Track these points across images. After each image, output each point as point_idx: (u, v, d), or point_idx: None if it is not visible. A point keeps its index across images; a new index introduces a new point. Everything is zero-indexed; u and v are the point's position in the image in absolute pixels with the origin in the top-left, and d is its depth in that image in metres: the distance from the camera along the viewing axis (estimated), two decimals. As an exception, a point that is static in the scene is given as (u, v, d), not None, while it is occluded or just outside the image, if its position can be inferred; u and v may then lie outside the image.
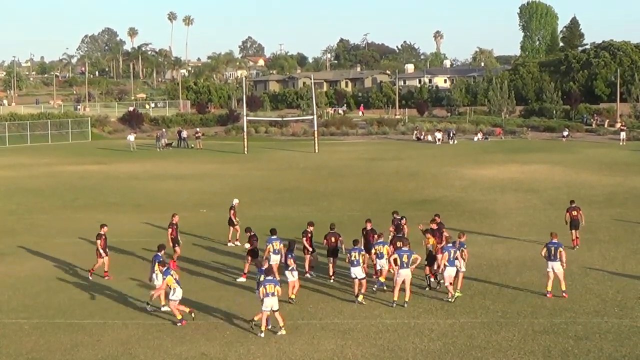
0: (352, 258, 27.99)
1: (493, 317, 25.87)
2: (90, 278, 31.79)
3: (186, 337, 24.38)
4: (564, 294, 27.76)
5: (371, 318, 26.07)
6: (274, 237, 30.41)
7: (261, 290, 24.40)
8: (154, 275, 27.67)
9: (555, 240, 28.42)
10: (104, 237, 32.10)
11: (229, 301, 27.71)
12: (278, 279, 26.29)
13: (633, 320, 25.39)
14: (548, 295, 27.87)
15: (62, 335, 24.91)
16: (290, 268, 28.12)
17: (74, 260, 35.39)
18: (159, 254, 28.11)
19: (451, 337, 23.97)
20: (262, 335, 24.01)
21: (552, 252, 28.05)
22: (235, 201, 40.18)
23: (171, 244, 33.47)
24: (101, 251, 31.84)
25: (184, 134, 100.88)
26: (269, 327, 24.38)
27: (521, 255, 34.50)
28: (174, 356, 22.79)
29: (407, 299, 27.28)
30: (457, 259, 27.84)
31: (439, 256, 28.76)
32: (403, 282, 27.29)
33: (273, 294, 24.16)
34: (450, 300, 27.46)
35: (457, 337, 23.96)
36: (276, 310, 24.26)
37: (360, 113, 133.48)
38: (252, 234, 31.88)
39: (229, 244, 37.89)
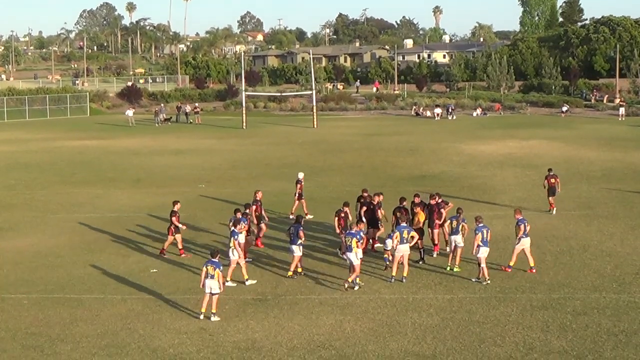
0: (349, 244, 27.03)
1: (491, 293, 25.91)
2: (184, 255, 31.22)
3: (185, 312, 24.42)
4: (532, 269, 28.14)
5: (370, 293, 26.10)
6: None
7: (203, 271, 24.08)
8: (230, 252, 27.57)
9: (521, 217, 28.56)
10: (178, 213, 31.48)
11: (227, 276, 27.74)
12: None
13: (631, 295, 25.44)
14: (508, 269, 28.07)
15: (61, 310, 24.95)
16: (298, 242, 28.10)
17: (73, 235, 35.43)
18: (235, 229, 28.00)
19: (450, 312, 24.02)
20: (201, 317, 23.71)
21: (525, 228, 28.17)
22: (301, 175, 39.73)
23: (255, 221, 32.47)
24: (179, 226, 31.19)
25: (187, 108, 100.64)
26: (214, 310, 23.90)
27: (520, 230, 34.51)
28: (172, 331, 22.83)
29: (405, 274, 27.31)
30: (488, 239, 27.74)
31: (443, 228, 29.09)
32: (401, 257, 27.33)
33: (212, 277, 23.68)
34: (483, 283, 26.96)
35: (456, 313, 24.00)
36: (215, 294, 23.77)
37: (375, 89, 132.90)
38: (246, 211, 31.48)
39: (308, 216, 37.23)
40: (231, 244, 27.35)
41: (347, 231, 27.46)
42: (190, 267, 29.27)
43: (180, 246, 31.50)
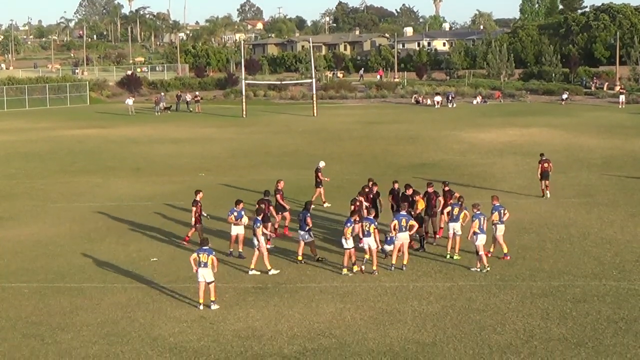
0: (367, 229, 27.27)
1: (491, 280, 25.93)
2: (186, 244, 31.02)
3: (185, 301, 24.43)
4: (506, 256, 28.28)
5: (370, 281, 26.12)
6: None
7: (193, 259, 23.96)
8: (254, 240, 27.45)
9: (499, 204, 28.65)
10: (199, 203, 31.18)
11: (227, 264, 27.76)
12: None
13: (631, 282, 25.46)
14: (507, 257, 28.15)
15: (62, 299, 24.97)
16: (307, 229, 28.28)
17: (73, 224, 35.44)
18: (258, 217, 27.73)
19: (450, 300, 24.03)
20: (201, 307, 23.63)
21: (502, 215, 28.23)
22: (322, 164, 39.67)
23: (274, 212, 32.20)
24: (193, 218, 30.90)
25: (188, 97, 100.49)
26: (212, 299, 23.84)
27: (519, 218, 34.48)
28: (172, 319, 22.85)
29: (405, 262, 27.33)
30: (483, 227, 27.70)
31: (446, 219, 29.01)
32: (401, 245, 27.35)
33: (205, 264, 23.61)
34: (483, 270, 26.94)
35: (456, 300, 24.02)
36: (210, 282, 23.69)
37: (378, 77, 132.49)
38: (267, 198, 31.40)
39: (325, 205, 37.08)
40: (257, 232, 27.25)
41: (365, 217, 27.71)
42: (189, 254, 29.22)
43: (190, 234, 31.42)
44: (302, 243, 28.38)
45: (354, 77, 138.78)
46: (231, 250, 29.45)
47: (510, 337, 21.02)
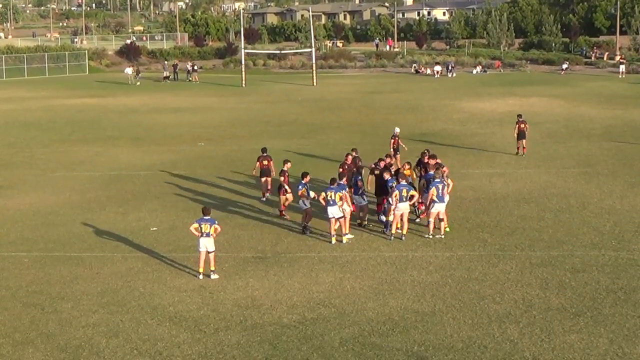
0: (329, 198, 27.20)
1: (491, 250, 25.95)
2: (287, 217, 30.19)
3: (185, 270, 24.46)
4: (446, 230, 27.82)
5: (369, 251, 26.14)
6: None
7: (194, 228, 23.93)
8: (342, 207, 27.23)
9: (439, 180, 27.96)
10: (287, 173, 30.67)
11: (227, 234, 27.71)
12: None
13: (630, 252, 25.46)
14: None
15: (62, 268, 24.99)
16: (360, 192, 28.47)
17: (73, 194, 35.43)
18: (342, 182, 27.46)
19: (449, 270, 24.06)
20: (201, 277, 23.64)
21: (440, 191, 27.41)
22: (397, 130, 39.84)
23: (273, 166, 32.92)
24: (286, 187, 30.30)
25: (189, 66, 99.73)
26: (212, 269, 23.81)
27: (519, 188, 34.52)
28: (172, 288, 22.88)
29: (404, 232, 27.33)
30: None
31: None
32: (401, 215, 27.34)
33: (208, 234, 23.66)
34: (440, 236, 27.31)
35: (455, 270, 24.04)
36: (211, 252, 23.72)
37: (388, 47, 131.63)
38: (267, 155, 32.83)
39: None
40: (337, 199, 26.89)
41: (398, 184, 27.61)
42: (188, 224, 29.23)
43: (283, 207, 30.66)
44: (364, 209, 28.68)
45: (354, 46, 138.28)
46: (305, 223, 28.47)
47: (509, 306, 21.05)
